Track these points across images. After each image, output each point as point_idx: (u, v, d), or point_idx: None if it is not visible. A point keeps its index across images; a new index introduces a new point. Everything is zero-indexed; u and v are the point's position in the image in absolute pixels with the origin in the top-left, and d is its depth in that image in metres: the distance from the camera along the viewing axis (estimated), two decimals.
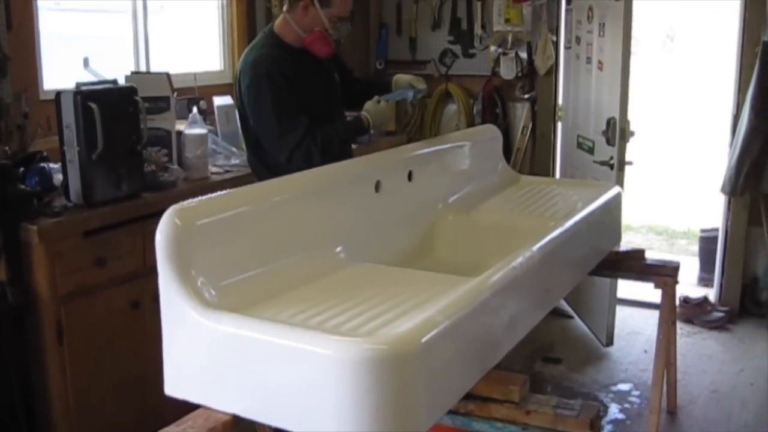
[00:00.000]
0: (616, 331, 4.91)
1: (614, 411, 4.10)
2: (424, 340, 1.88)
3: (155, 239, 2.11)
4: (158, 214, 2.24)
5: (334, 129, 3.25)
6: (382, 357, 1.79)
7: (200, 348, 2.04)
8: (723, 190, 5.17)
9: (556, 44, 5.50)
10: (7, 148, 3.44)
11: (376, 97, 3.37)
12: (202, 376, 2.07)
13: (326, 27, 3.27)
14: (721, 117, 6.29)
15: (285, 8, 3.31)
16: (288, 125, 3.20)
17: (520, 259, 2.46)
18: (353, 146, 3.76)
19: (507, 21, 5.57)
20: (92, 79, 3.41)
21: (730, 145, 5.15)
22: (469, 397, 2.21)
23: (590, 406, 2.23)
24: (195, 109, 3.97)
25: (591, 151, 4.82)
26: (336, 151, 3.20)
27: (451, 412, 2.22)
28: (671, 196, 9.17)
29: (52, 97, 3.25)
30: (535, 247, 2.59)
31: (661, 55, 16.33)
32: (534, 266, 2.52)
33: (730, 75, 5.28)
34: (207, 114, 4.34)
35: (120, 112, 3.28)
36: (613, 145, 4.46)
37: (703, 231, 6.16)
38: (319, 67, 3.42)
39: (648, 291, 4.40)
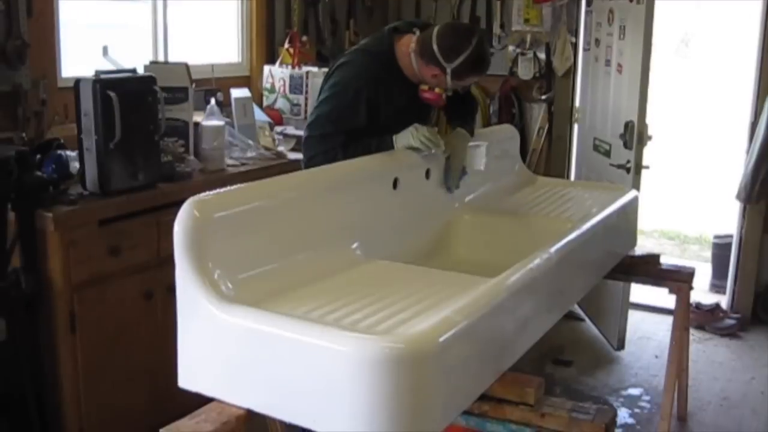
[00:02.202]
0: (628, 336, 4.89)
1: (624, 415, 4.07)
2: (441, 339, 1.88)
3: (173, 230, 2.11)
4: (174, 205, 2.24)
5: (366, 145, 3.11)
6: (400, 355, 1.78)
7: (216, 341, 2.04)
8: (738, 197, 5.14)
9: (575, 46, 5.48)
10: (24, 134, 3.45)
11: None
12: (216, 370, 2.07)
13: (448, 89, 3.19)
14: (738, 123, 6.26)
15: (414, 49, 3.16)
16: (334, 134, 3.13)
17: (537, 261, 2.45)
18: None
19: (526, 21, 5.55)
20: (111, 67, 3.40)
21: (747, 152, 5.12)
22: (483, 398, 2.20)
23: (606, 410, 2.21)
24: (213, 101, 3.97)
25: (608, 154, 4.79)
26: None
27: (466, 413, 2.20)
28: (684, 201, 9.13)
29: (70, 84, 3.24)
30: (553, 249, 2.58)
31: (675, 60, 16.26)
32: (551, 268, 2.51)
33: (748, 81, 5.25)
34: (224, 106, 4.33)
35: (138, 102, 3.27)
36: (630, 149, 4.43)
37: (716, 237, 6.13)
38: (415, 94, 3.27)
39: (660, 296, 4.41)
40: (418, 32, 3.20)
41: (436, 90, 3.18)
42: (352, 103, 3.13)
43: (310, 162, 3.15)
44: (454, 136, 3.33)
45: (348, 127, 3.13)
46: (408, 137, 3.10)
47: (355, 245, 2.64)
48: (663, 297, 4.20)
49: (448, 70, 3.07)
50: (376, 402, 1.78)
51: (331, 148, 3.10)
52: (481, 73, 3.18)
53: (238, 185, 2.42)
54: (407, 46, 3.19)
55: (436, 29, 3.12)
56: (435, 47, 3.06)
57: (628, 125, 4.44)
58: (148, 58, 4.26)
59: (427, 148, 3.09)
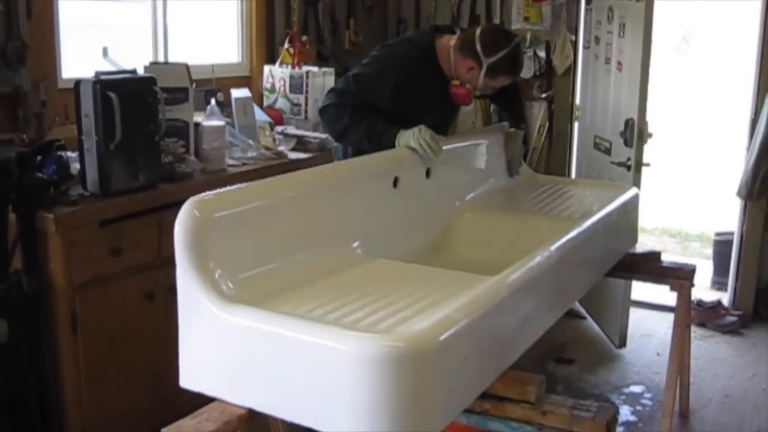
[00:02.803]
0: (629, 333, 4.88)
1: (626, 413, 4.08)
2: (441, 338, 1.88)
3: (174, 230, 2.11)
4: (175, 205, 2.24)
5: (373, 123, 3.25)
6: (400, 354, 1.79)
7: (217, 341, 2.04)
8: (739, 194, 5.15)
9: (575, 44, 5.48)
10: (24, 136, 3.45)
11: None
12: (217, 369, 2.07)
13: (477, 87, 3.39)
14: (738, 121, 6.26)
15: (454, 44, 3.36)
16: (353, 95, 3.30)
17: (538, 259, 2.45)
18: None
19: (526, 19, 5.54)
20: (111, 68, 3.40)
21: (747, 149, 5.12)
22: (485, 396, 2.20)
23: (607, 408, 2.22)
24: (213, 101, 3.97)
25: (608, 151, 4.79)
26: (355, 138, 3.31)
27: (467, 411, 2.20)
28: (685, 198, 9.13)
29: (71, 85, 3.24)
30: (553, 247, 2.58)
31: (675, 58, 16.24)
32: (552, 266, 2.51)
33: (748, 79, 5.25)
34: (224, 106, 4.33)
35: (139, 102, 3.28)
36: (630, 147, 4.43)
37: (717, 234, 6.13)
38: (446, 91, 3.47)
39: (661, 293, 4.40)
40: (459, 32, 3.45)
41: (467, 86, 3.35)
42: (379, 77, 3.31)
43: (322, 111, 3.39)
44: (511, 138, 3.77)
45: (367, 94, 3.30)
46: (410, 136, 3.13)
47: (355, 244, 2.65)
48: (664, 294, 4.20)
49: (485, 65, 3.26)
50: (377, 400, 1.79)
51: (342, 104, 3.29)
52: (514, 74, 3.42)
53: (239, 185, 2.42)
54: (448, 41, 3.39)
55: (480, 27, 3.37)
56: (477, 41, 3.26)
57: (628, 123, 4.44)
58: (148, 59, 4.26)
59: (424, 152, 3.12)
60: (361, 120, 3.25)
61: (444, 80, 3.42)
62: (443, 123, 3.52)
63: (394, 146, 3.16)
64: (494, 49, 3.26)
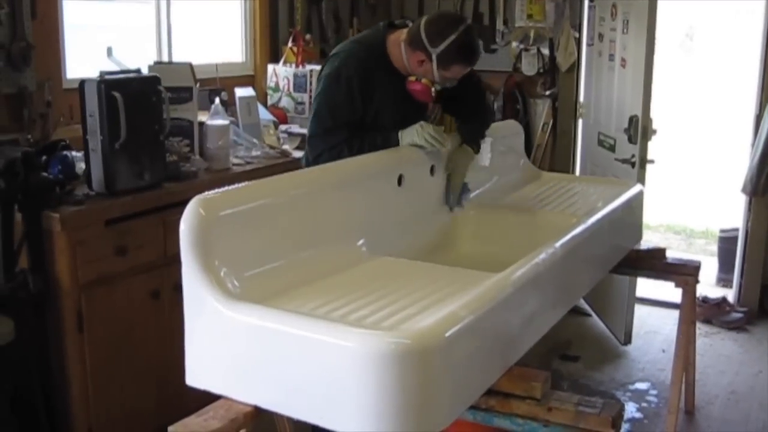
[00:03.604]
0: (634, 330, 4.88)
1: (632, 410, 4.07)
2: (447, 334, 1.88)
3: (179, 229, 2.11)
4: (180, 204, 2.25)
5: (372, 141, 3.11)
6: (406, 351, 1.79)
7: (223, 339, 2.05)
8: (744, 190, 5.14)
9: (579, 41, 5.48)
10: (30, 136, 3.46)
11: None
12: (223, 367, 2.08)
13: (434, 81, 3.16)
14: (743, 117, 6.25)
15: (403, 39, 3.16)
16: (333, 128, 3.13)
17: (543, 256, 2.45)
18: None
19: (529, 17, 5.54)
20: (115, 68, 3.41)
21: (752, 145, 5.12)
22: (490, 392, 2.20)
23: (612, 404, 2.22)
24: (217, 100, 3.97)
25: (612, 148, 4.79)
26: None
27: (473, 408, 2.21)
28: (690, 195, 9.11)
29: (75, 86, 3.26)
30: (558, 244, 2.58)
31: (679, 55, 16.22)
32: (557, 263, 2.51)
33: (753, 75, 5.24)
34: (228, 105, 4.34)
35: (143, 102, 3.28)
36: (635, 143, 4.43)
37: (722, 231, 6.12)
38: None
39: (666, 290, 4.40)
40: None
41: (423, 81, 3.16)
42: (345, 92, 3.13)
43: (316, 161, 3.13)
44: (458, 154, 3.29)
45: (346, 119, 3.14)
46: (413, 134, 3.09)
47: (360, 242, 2.65)
48: (669, 291, 4.19)
49: (434, 56, 3.06)
50: (382, 397, 1.79)
51: (336, 144, 3.10)
52: (468, 62, 3.14)
53: (244, 183, 2.43)
54: (399, 39, 3.20)
55: (425, 17, 3.16)
56: (422, 32, 3.07)
57: (632, 120, 4.44)
58: (152, 59, 4.27)
59: (431, 146, 3.08)
60: (360, 147, 3.09)
61: (399, 77, 3.22)
62: (410, 121, 3.21)
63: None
64: (440, 37, 3.05)
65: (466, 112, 3.43)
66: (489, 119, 3.55)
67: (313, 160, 3.17)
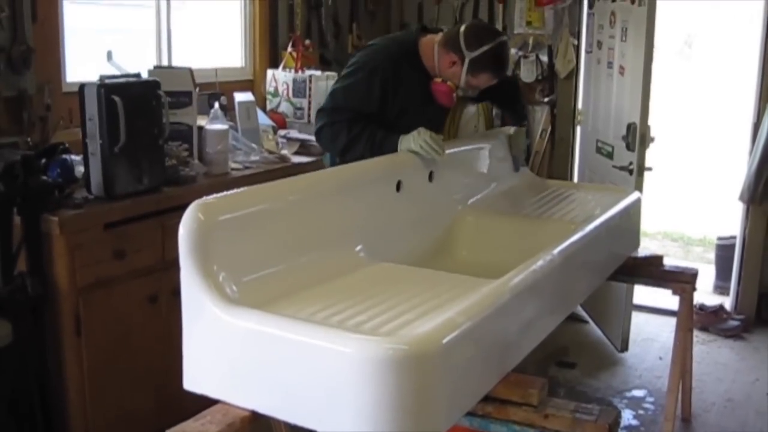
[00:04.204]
0: (631, 337, 4.88)
1: (628, 417, 4.08)
2: (444, 340, 1.89)
3: (178, 233, 2.12)
4: (178, 209, 2.25)
5: (372, 134, 3.21)
6: (403, 357, 1.79)
7: (221, 343, 2.05)
8: (741, 198, 5.15)
9: (577, 48, 5.49)
10: (29, 139, 3.46)
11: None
12: (221, 372, 2.08)
13: (459, 86, 3.31)
14: (741, 125, 6.27)
15: (438, 40, 3.31)
16: (344, 109, 3.26)
17: (540, 262, 2.46)
18: None
19: (528, 24, 5.55)
20: (115, 72, 3.42)
21: (750, 153, 5.13)
22: (487, 399, 2.21)
23: (609, 411, 2.22)
24: (216, 105, 3.98)
25: (610, 155, 4.80)
26: (358, 153, 3.21)
27: (470, 414, 2.21)
28: (688, 203, 9.13)
29: (75, 89, 3.26)
30: (556, 251, 2.59)
31: (678, 62, 16.26)
32: (554, 270, 2.52)
33: (751, 83, 5.25)
34: (228, 110, 4.34)
35: (143, 106, 3.29)
36: (633, 151, 4.44)
37: (720, 239, 6.13)
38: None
39: (664, 297, 4.41)
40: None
41: (449, 83, 3.29)
42: (366, 81, 3.26)
43: (318, 134, 3.34)
44: (514, 137, 3.77)
45: (358, 104, 3.26)
46: (410, 140, 3.12)
47: (358, 248, 2.66)
48: (666, 298, 4.20)
49: (467, 59, 3.19)
50: (380, 403, 1.79)
51: (337, 121, 3.24)
52: (497, 73, 3.28)
53: (243, 188, 2.43)
54: (433, 39, 3.34)
55: (466, 23, 3.34)
56: (461, 35, 3.21)
57: (630, 127, 4.45)
58: (152, 63, 4.27)
59: (426, 153, 3.10)
60: (360, 133, 3.22)
61: (427, 79, 3.37)
62: (431, 124, 3.32)
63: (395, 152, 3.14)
64: (477, 43, 3.20)
65: (509, 102, 3.83)
66: (520, 92, 3.95)
67: (315, 132, 3.37)
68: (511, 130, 3.82)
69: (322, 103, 3.42)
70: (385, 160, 3.04)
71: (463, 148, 3.53)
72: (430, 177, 3.17)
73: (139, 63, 3.79)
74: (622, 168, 4.53)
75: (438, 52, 3.29)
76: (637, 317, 5.07)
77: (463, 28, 3.26)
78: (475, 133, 5.27)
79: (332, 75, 4.95)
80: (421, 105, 3.37)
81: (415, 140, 3.10)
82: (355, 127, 3.22)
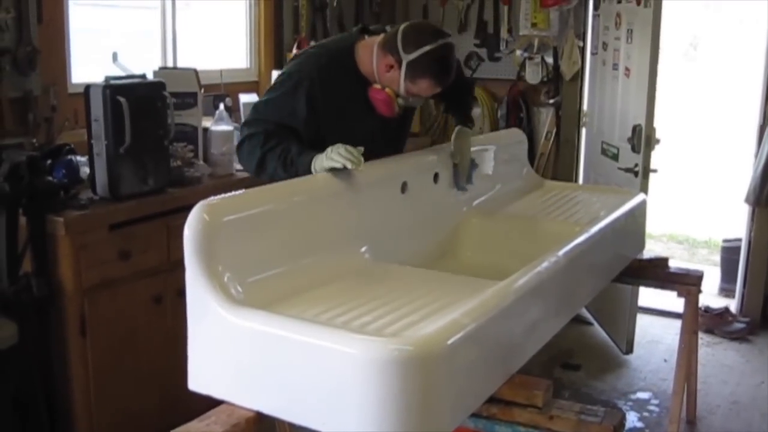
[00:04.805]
0: (636, 339, 4.88)
1: (633, 419, 4.07)
2: (449, 342, 1.89)
3: (183, 234, 2.12)
4: (183, 210, 2.26)
5: (286, 149, 2.83)
6: (408, 358, 1.79)
7: (226, 344, 2.05)
8: (747, 200, 5.14)
9: (583, 50, 5.48)
10: (34, 140, 3.46)
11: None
12: (226, 372, 2.08)
13: (399, 93, 2.91)
14: (746, 127, 6.26)
15: (378, 43, 2.94)
16: (264, 121, 2.90)
17: (545, 264, 2.45)
18: None
19: (534, 25, 5.55)
20: (120, 73, 3.42)
21: (756, 155, 5.12)
22: (492, 400, 2.21)
23: (614, 413, 2.22)
24: (221, 106, 3.98)
25: (615, 157, 4.80)
26: (271, 169, 2.85)
27: (474, 415, 2.21)
28: (693, 204, 9.12)
29: (80, 90, 3.27)
30: (561, 252, 2.58)
31: (683, 64, 16.24)
32: (559, 271, 2.52)
33: (757, 85, 5.24)
34: (233, 111, 4.35)
35: (148, 107, 3.29)
36: (638, 153, 4.44)
37: (725, 241, 6.13)
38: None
39: (668, 300, 4.39)
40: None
41: (387, 90, 2.91)
42: (290, 94, 2.90)
43: (238, 150, 2.98)
44: (458, 137, 3.23)
45: (277, 117, 2.89)
46: (322, 160, 2.71)
47: (363, 249, 2.65)
48: (671, 301, 4.18)
49: (404, 62, 2.83)
50: (384, 404, 1.79)
51: (256, 133, 2.88)
52: (437, 79, 2.89)
53: (248, 189, 2.43)
54: (372, 43, 2.98)
55: (408, 22, 2.96)
56: (399, 35, 2.86)
57: (635, 129, 4.44)
58: (157, 64, 4.28)
59: (343, 165, 2.66)
60: (274, 146, 2.83)
61: (367, 87, 2.98)
62: (376, 136, 3.01)
63: (310, 172, 2.73)
64: (415, 44, 2.82)
65: (457, 100, 3.32)
66: (471, 87, 3.43)
67: (236, 147, 3.02)
68: (457, 128, 3.29)
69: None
70: (390, 161, 3.03)
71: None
72: (435, 178, 3.17)
73: (145, 64, 3.79)
74: (627, 170, 4.53)
75: (376, 54, 2.93)
76: (642, 319, 5.06)
77: (403, 26, 2.90)
78: (480, 135, 5.25)
79: None
80: (359, 116, 3.00)
81: (328, 156, 2.69)
82: (270, 141, 2.85)
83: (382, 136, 3.09)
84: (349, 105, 2.98)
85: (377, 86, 2.94)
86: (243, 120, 3.08)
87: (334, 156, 2.66)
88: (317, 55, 3.01)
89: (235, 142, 3.91)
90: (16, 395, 3.04)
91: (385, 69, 2.90)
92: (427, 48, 2.82)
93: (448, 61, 2.90)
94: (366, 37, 3.06)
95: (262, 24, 5.07)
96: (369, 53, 2.96)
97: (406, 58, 2.83)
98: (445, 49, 2.88)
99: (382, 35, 2.97)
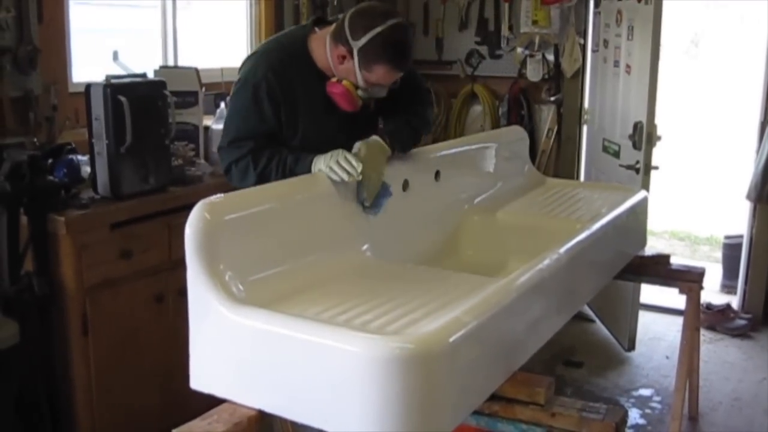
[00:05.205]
0: (638, 336, 4.88)
1: (635, 416, 4.07)
2: (451, 339, 1.88)
3: (185, 233, 2.12)
4: (184, 208, 2.26)
5: (281, 161, 2.71)
6: (409, 355, 1.79)
7: (227, 343, 2.05)
8: (748, 196, 5.14)
9: (584, 47, 5.47)
10: (35, 139, 3.46)
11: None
12: (228, 371, 2.08)
13: (357, 85, 2.73)
14: (748, 123, 6.25)
15: (330, 34, 2.75)
16: (241, 139, 2.77)
17: (547, 261, 2.45)
18: None
19: (534, 23, 5.54)
20: (121, 72, 3.43)
21: (757, 152, 5.12)
22: (494, 397, 2.20)
23: (616, 410, 2.22)
24: (222, 105, 3.98)
25: (617, 154, 4.79)
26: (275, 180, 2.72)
27: (476, 413, 2.21)
28: (694, 201, 9.11)
29: (81, 89, 3.27)
30: (562, 250, 2.58)
31: (684, 61, 16.23)
32: (561, 269, 2.51)
33: (758, 81, 5.24)
34: None
35: (149, 106, 3.30)
36: (639, 150, 4.43)
37: (727, 237, 6.12)
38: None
39: (671, 297, 4.40)
40: None
41: (344, 83, 2.73)
42: (252, 101, 2.75)
43: (227, 175, 2.84)
44: (366, 147, 2.74)
45: (254, 130, 2.76)
46: (321, 162, 2.63)
47: (365, 247, 2.65)
48: (673, 297, 4.19)
49: (355, 50, 2.64)
50: (386, 402, 1.79)
51: (242, 156, 2.75)
52: (393, 63, 2.67)
53: (249, 188, 2.43)
54: (325, 35, 2.79)
55: (354, 8, 2.74)
56: (346, 22, 2.67)
57: (637, 126, 4.44)
58: (158, 63, 4.28)
59: (336, 176, 2.59)
60: (267, 165, 2.71)
61: (325, 82, 2.80)
62: (345, 133, 2.79)
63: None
64: (363, 29, 2.62)
65: (395, 108, 2.95)
66: (421, 127, 3.01)
67: (224, 173, 2.87)
68: (371, 138, 2.80)
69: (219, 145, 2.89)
70: (391, 160, 3.02)
71: (469, 147, 3.52)
72: (437, 176, 3.17)
73: (145, 63, 3.80)
74: (628, 167, 4.52)
75: (329, 46, 2.74)
76: (643, 316, 5.06)
77: (350, 12, 2.69)
78: (481, 132, 5.25)
79: None
80: (323, 114, 2.82)
81: (326, 162, 2.61)
82: (261, 160, 2.72)
83: (351, 132, 2.82)
84: (310, 102, 2.82)
85: (334, 80, 2.77)
86: (218, 145, 2.91)
87: (333, 166, 2.59)
88: (267, 53, 2.83)
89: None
90: (18, 394, 3.05)
91: (338, 60, 2.72)
92: (376, 30, 2.62)
93: (402, 43, 2.69)
94: (317, 29, 2.86)
95: (262, 22, 5.07)
96: (322, 46, 2.78)
97: (356, 45, 2.64)
98: (397, 29, 2.67)
99: (333, 25, 2.77)
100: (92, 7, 4.16)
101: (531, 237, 3.11)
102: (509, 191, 3.63)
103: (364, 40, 2.63)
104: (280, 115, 2.78)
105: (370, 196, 2.72)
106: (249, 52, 4.99)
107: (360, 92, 2.75)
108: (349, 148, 2.71)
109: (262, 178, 2.72)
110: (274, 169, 2.71)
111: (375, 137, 2.79)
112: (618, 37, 4.82)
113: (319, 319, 2.05)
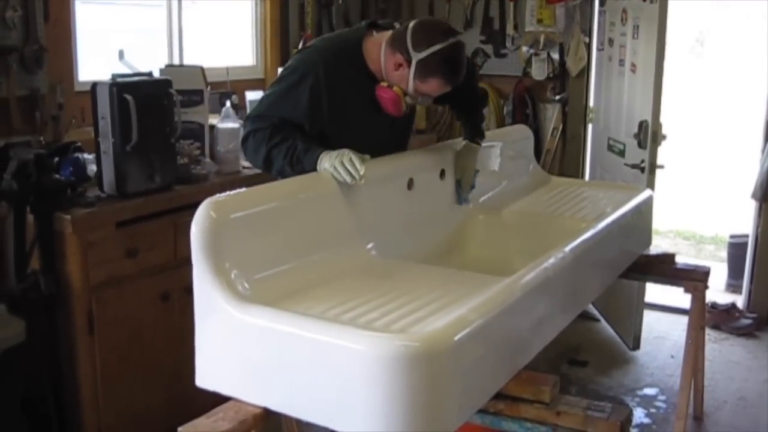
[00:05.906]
0: (643, 335, 4.87)
1: (640, 415, 4.07)
2: (456, 338, 1.89)
3: (191, 231, 2.13)
4: (190, 207, 2.26)
5: (292, 146, 2.76)
6: (415, 354, 1.80)
7: (233, 341, 2.06)
8: (754, 196, 5.13)
9: (589, 46, 5.47)
10: (42, 138, 3.48)
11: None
12: (233, 369, 2.08)
13: (407, 92, 2.83)
14: (753, 122, 6.24)
15: (387, 40, 2.85)
16: (266, 115, 2.85)
17: (552, 260, 2.46)
18: None
19: (539, 21, 5.54)
20: (127, 71, 3.43)
21: (762, 151, 5.11)
22: (499, 396, 2.21)
23: (621, 408, 2.22)
24: (228, 103, 3.99)
25: (622, 153, 4.79)
26: (278, 165, 2.81)
27: (481, 411, 2.21)
28: (700, 201, 9.10)
29: (87, 88, 3.28)
30: (568, 248, 2.59)
31: (690, 60, 16.19)
32: (566, 267, 2.52)
33: (763, 80, 5.23)
34: (239, 108, 4.36)
35: (155, 105, 3.30)
36: (644, 149, 4.43)
37: (732, 237, 6.12)
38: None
39: (675, 296, 4.39)
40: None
41: (395, 89, 2.83)
42: (294, 87, 2.83)
43: (243, 145, 2.92)
44: (463, 155, 3.20)
45: (281, 111, 2.84)
46: (326, 159, 2.67)
47: (370, 245, 2.65)
48: (678, 297, 4.19)
49: (414, 61, 2.75)
50: (392, 400, 1.80)
51: (261, 128, 2.82)
52: (447, 78, 2.81)
53: (254, 186, 2.44)
54: (381, 40, 2.89)
55: (418, 19, 2.87)
56: (408, 33, 2.77)
57: (642, 125, 4.43)
58: (163, 62, 4.29)
59: (339, 176, 2.62)
60: (280, 143, 2.78)
61: (374, 84, 2.89)
62: (378, 135, 2.96)
63: (316, 170, 2.69)
64: (425, 43, 2.73)
65: (468, 108, 3.26)
66: (482, 104, 3.39)
67: (241, 142, 2.94)
68: (461, 144, 3.26)
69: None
70: (397, 158, 3.03)
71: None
72: (442, 174, 3.17)
73: (151, 62, 3.81)
74: (633, 166, 4.52)
75: (385, 52, 2.85)
76: (648, 315, 5.05)
77: (413, 23, 2.81)
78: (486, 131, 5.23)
79: None
80: (364, 114, 2.92)
81: (331, 161, 2.65)
82: (276, 136, 2.79)
83: (390, 135, 3.04)
84: (355, 102, 2.91)
85: (384, 84, 2.86)
86: (247, 113, 3.01)
87: (338, 166, 2.62)
88: (323, 48, 2.93)
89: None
90: (25, 393, 3.06)
91: (393, 67, 2.82)
92: (437, 47, 2.74)
93: (458, 60, 2.82)
94: (374, 33, 2.96)
95: (268, 21, 5.08)
96: (377, 50, 2.88)
97: (416, 57, 2.75)
98: (456, 48, 2.80)
99: (390, 32, 2.89)
100: (98, 6, 4.16)
101: (536, 236, 3.11)
102: (514, 190, 3.63)
103: (425, 53, 2.74)
104: (317, 110, 2.85)
105: (466, 194, 3.24)
106: (254, 51, 5.06)
107: (407, 99, 2.86)
108: (386, 149, 2.94)
109: (270, 155, 2.80)
110: (284, 151, 2.77)
111: (466, 142, 3.24)
112: (623, 36, 4.82)
113: (325, 318, 2.05)
